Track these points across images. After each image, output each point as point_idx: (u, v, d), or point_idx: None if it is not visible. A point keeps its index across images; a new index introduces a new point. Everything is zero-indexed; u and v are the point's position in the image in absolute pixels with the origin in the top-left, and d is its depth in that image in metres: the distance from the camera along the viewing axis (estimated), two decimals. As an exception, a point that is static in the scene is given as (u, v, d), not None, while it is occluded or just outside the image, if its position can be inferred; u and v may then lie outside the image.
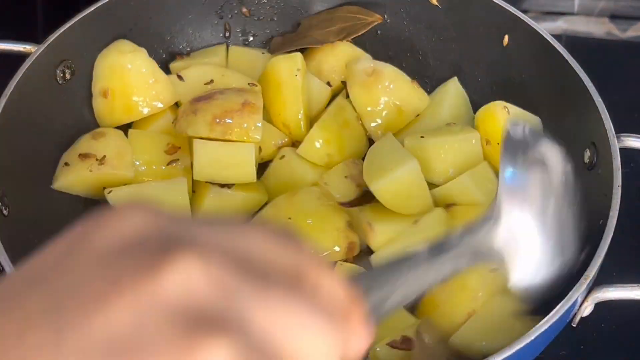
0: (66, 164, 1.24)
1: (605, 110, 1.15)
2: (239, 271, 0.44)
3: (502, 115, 1.25)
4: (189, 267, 0.41)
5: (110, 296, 0.39)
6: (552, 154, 0.87)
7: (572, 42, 1.65)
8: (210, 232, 0.46)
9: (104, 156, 1.23)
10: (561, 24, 1.67)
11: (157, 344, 0.39)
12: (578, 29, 1.67)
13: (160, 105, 1.29)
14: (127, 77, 1.28)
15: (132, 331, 0.39)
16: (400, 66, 1.36)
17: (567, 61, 1.22)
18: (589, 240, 1.07)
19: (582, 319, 1.07)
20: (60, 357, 0.38)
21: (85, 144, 1.26)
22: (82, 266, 0.42)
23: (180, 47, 1.42)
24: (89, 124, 1.30)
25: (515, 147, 0.85)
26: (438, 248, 0.73)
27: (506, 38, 1.31)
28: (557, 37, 1.60)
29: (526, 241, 0.80)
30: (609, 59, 1.63)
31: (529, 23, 1.27)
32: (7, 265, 1.00)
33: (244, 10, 1.43)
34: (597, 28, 1.67)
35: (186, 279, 0.41)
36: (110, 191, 1.20)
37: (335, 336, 0.49)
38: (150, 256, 0.41)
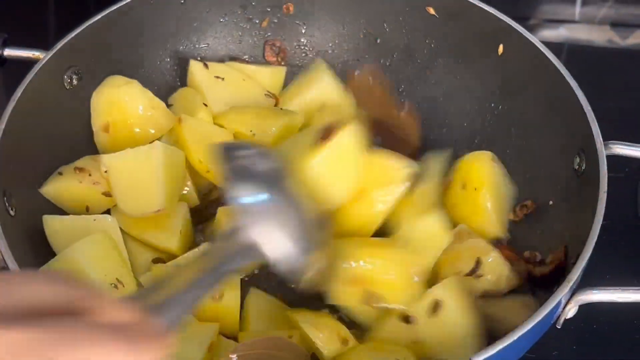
0: (59, 173, 1.27)
1: (594, 118, 1.17)
2: (17, 330, 0.55)
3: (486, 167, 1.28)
4: None
5: None
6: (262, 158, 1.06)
7: (574, 49, 1.67)
8: None
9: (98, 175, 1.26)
10: (563, 32, 1.69)
11: None
12: (579, 37, 1.69)
13: (154, 132, 1.33)
14: (125, 110, 1.31)
15: None
16: (397, 73, 1.42)
17: (557, 69, 1.23)
18: (576, 245, 1.10)
19: (575, 319, 1.08)
20: None
21: (83, 161, 1.29)
22: None
23: (194, 50, 1.45)
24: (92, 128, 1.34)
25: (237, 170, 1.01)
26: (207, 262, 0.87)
27: (501, 47, 1.33)
28: (559, 44, 1.63)
29: (270, 235, 0.96)
30: (609, 66, 1.66)
31: (522, 33, 1.29)
32: (12, 264, 1.04)
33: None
34: (599, 35, 1.70)
35: None
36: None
37: (127, 350, 0.58)
38: None
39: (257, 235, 0.94)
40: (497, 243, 1.24)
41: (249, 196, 0.98)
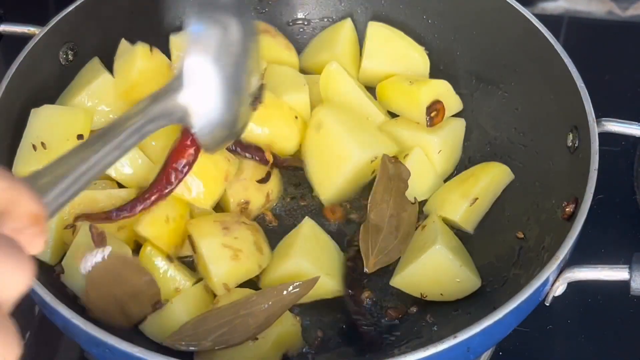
0: None
1: (587, 95, 1.16)
2: None
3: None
4: None
5: None
6: (236, 17, 0.96)
7: (574, 21, 1.66)
8: None
9: None
10: (562, 3, 1.68)
11: None
12: (579, 9, 1.68)
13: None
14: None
15: None
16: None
17: (551, 44, 1.23)
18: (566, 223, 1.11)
19: (569, 294, 1.09)
20: None
21: None
22: None
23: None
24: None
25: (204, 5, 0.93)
26: (113, 129, 0.82)
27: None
28: (559, 17, 1.62)
29: (207, 93, 0.91)
30: (609, 39, 1.65)
31: (517, 7, 1.29)
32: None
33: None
34: (598, 7, 1.68)
35: None
36: None
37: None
38: None
39: (188, 99, 0.89)
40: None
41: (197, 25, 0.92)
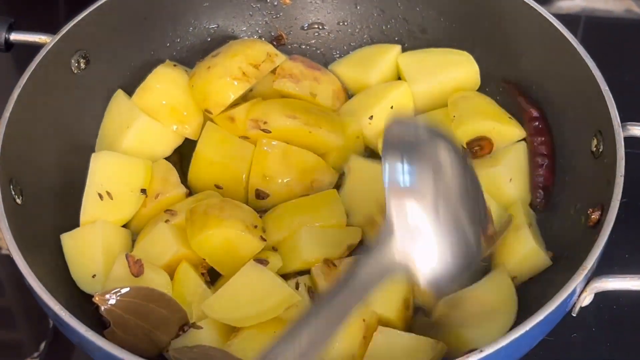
0: None
1: (612, 99, 1.14)
2: None
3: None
4: None
5: None
6: (442, 148, 0.87)
7: (591, 20, 1.64)
8: None
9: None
10: (579, 2, 1.66)
11: None
12: (597, 7, 1.66)
13: None
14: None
15: None
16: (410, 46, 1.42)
17: (573, 47, 1.21)
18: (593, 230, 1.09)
19: (594, 302, 1.06)
20: None
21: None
22: None
23: (204, 31, 1.44)
24: (102, 113, 1.33)
25: (398, 146, 0.84)
26: (331, 295, 0.76)
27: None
28: (576, 16, 1.60)
29: (423, 242, 0.82)
30: (627, 37, 1.63)
31: (534, 7, 1.27)
32: (16, 254, 1.02)
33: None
34: (616, 5, 1.66)
35: None
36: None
37: None
38: None
39: (405, 247, 0.80)
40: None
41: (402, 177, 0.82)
